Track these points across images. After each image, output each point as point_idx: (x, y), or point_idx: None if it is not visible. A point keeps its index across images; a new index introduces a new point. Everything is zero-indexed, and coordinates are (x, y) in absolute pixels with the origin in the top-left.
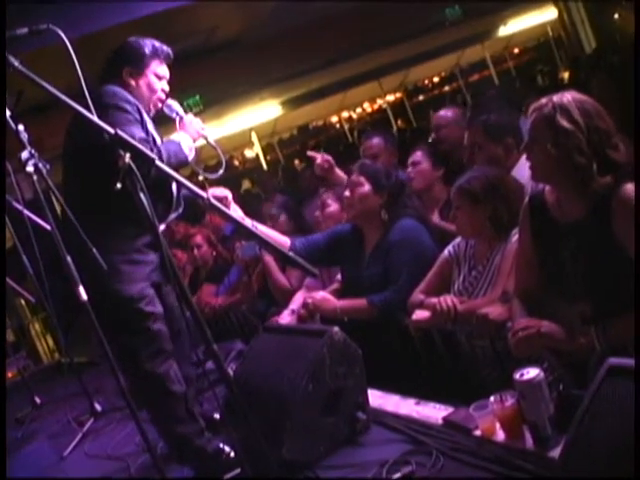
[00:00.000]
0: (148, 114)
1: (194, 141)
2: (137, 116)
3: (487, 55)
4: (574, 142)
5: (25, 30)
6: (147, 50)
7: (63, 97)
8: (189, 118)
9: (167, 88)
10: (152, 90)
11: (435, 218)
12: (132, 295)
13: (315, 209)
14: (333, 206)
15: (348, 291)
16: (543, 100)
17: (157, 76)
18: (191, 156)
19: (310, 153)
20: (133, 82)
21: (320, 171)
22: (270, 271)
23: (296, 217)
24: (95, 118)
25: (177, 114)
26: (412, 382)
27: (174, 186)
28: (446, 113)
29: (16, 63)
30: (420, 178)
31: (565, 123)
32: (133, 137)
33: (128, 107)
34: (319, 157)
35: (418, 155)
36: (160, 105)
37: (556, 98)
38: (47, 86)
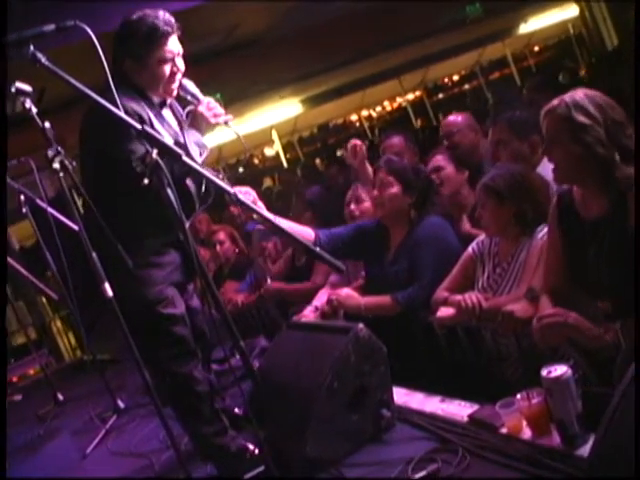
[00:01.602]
0: (164, 103)
1: (203, 133)
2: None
3: (508, 53)
4: (594, 135)
5: (52, 27)
6: (143, 37)
7: (91, 93)
8: (202, 106)
9: (180, 66)
10: (159, 78)
11: (465, 225)
12: (149, 298)
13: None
14: (368, 202)
15: (372, 288)
16: (555, 101)
17: (162, 61)
18: (203, 154)
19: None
20: (137, 75)
21: (352, 157)
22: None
23: (323, 214)
24: (122, 114)
25: (192, 96)
26: (436, 379)
27: (189, 182)
28: (456, 118)
29: (43, 59)
30: (447, 183)
31: (582, 118)
32: (133, 154)
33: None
34: (357, 142)
35: (440, 159)
36: (174, 88)
37: (568, 97)
38: (75, 83)
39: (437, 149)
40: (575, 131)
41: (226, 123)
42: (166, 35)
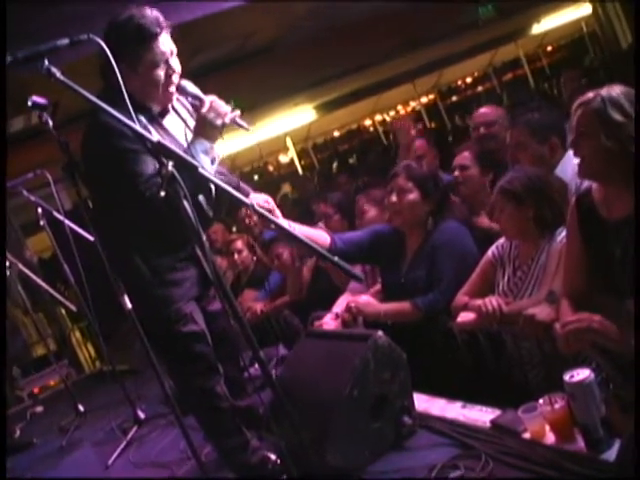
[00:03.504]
0: (165, 111)
1: (213, 140)
2: (140, 147)
3: (521, 53)
4: (627, 133)
5: (66, 41)
6: (131, 41)
7: (106, 107)
8: (204, 108)
9: (175, 67)
10: (154, 84)
11: (484, 220)
12: (168, 317)
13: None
14: (371, 211)
15: (389, 295)
16: (590, 94)
17: (154, 64)
18: (215, 162)
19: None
20: (130, 83)
21: (405, 133)
22: None
23: (350, 216)
24: (138, 127)
25: (194, 97)
26: (457, 385)
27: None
28: (496, 110)
29: (58, 74)
30: (469, 184)
31: (617, 115)
32: (142, 175)
33: (128, 144)
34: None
35: (466, 158)
36: (172, 92)
37: (604, 92)
38: (91, 97)
39: (465, 145)
40: (608, 127)
41: (234, 121)
42: (155, 35)
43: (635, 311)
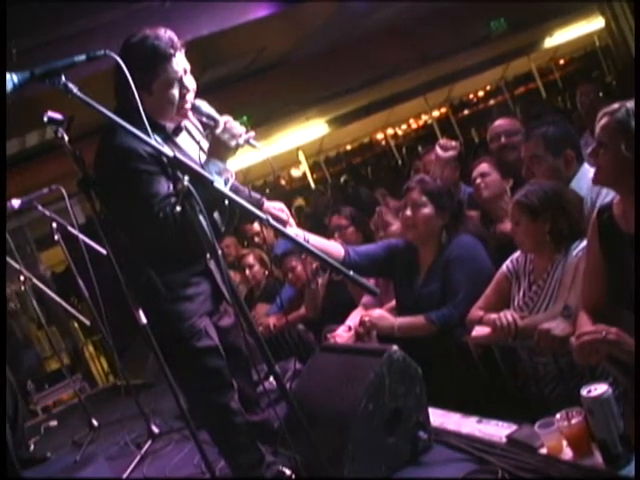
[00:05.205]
0: (179, 129)
1: (225, 160)
2: (154, 168)
3: (533, 67)
4: None
5: (83, 57)
6: (144, 61)
7: (122, 122)
8: (219, 129)
9: (189, 85)
10: (168, 103)
11: (507, 226)
12: (182, 333)
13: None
14: (395, 225)
15: (404, 309)
16: (615, 105)
17: (169, 84)
18: (229, 182)
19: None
20: (147, 99)
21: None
22: None
23: (363, 228)
24: (153, 142)
25: (208, 117)
26: (473, 400)
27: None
28: (513, 121)
29: (75, 90)
30: (491, 187)
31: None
32: (156, 196)
33: (143, 166)
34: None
35: (485, 167)
36: (187, 109)
37: (629, 103)
38: (109, 113)
39: (481, 158)
40: (630, 138)
41: (248, 142)
42: (169, 56)
43: (635, 314)
